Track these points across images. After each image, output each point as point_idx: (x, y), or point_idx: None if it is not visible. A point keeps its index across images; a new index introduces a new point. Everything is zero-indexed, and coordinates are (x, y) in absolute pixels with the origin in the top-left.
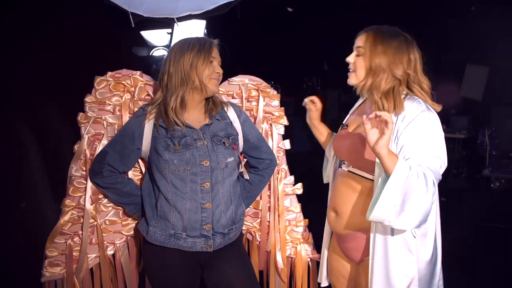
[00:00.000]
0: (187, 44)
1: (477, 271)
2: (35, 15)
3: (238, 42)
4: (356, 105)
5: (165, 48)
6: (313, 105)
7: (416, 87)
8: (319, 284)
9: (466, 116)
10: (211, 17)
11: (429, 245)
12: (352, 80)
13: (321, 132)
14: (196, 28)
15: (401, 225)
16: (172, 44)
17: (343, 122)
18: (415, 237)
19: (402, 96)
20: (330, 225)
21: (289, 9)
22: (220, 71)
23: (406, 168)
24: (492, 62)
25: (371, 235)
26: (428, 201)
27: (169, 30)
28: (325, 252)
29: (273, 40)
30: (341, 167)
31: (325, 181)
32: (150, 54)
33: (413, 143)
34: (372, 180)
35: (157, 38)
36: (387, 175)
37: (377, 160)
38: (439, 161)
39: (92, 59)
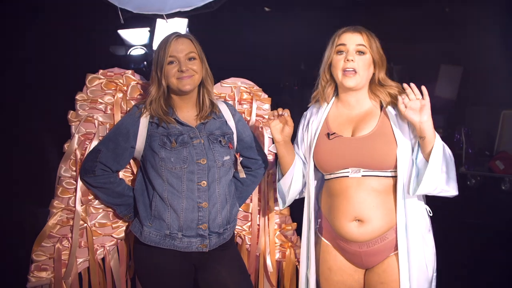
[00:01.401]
0: (159, 43)
1: (456, 266)
2: (13, 12)
3: (214, 40)
4: (326, 112)
5: (143, 47)
6: (290, 119)
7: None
8: None
9: (441, 115)
10: (188, 15)
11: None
12: (353, 81)
13: (289, 150)
14: (178, 27)
15: (451, 190)
16: (154, 43)
17: (328, 132)
18: (430, 215)
19: None
20: (351, 237)
21: (266, 9)
22: (186, 67)
23: (441, 140)
24: (466, 62)
25: (404, 227)
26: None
27: (148, 29)
28: (311, 265)
29: (249, 39)
30: (347, 175)
31: (284, 206)
32: (128, 53)
33: None
34: (389, 177)
35: (135, 37)
36: (427, 148)
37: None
38: None
39: (69, 57)
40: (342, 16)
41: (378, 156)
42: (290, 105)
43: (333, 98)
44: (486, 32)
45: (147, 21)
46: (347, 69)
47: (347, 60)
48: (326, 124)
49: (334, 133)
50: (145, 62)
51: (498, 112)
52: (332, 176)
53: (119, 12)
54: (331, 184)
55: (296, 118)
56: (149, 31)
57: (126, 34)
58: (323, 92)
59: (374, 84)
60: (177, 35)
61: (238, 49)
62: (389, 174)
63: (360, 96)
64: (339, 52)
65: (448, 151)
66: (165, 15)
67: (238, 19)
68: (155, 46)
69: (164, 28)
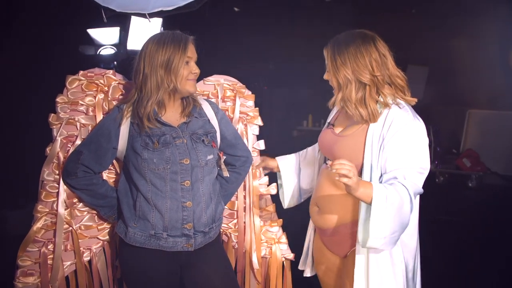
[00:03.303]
0: (162, 42)
1: (424, 261)
2: None
3: None
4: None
5: (113, 47)
6: (262, 163)
7: (386, 88)
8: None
9: None
10: (170, 14)
11: (414, 235)
12: (334, 100)
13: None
14: (152, 26)
15: (391, 247)
16: (128, 42)
17: (328, 121)
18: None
19: (381, 100)
20: (313, 220)
21: (236, 9)
22: (197, 71)
23: (382, 198)
24: (432, 62)
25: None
26: (407, 218)
27: (118, 28)
28: (309, 243)
29: (218, 39)
30: (326, 164)
31: (286, 206)
32: (98, 52)
33: (398, 154)
34: None
35: (104, 36)
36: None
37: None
38: (422, 174)
39: (38, 57)
40: (310, 16)
41: (344, 158)
42: (260, 105)
43: None
44: (451, 33)
45: (116, 20)
46: None
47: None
48: (335, 116)
49: (331, 124)
50: (115, 62)
51: (464, 111)
52: (325, 161)
53: (102, 11)
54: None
55: (266, 118)
56: (122, 30)
57: (96, 33)
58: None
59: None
60: (191, 38)
61: (207, 49)
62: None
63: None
64: None
65: (397, 205)
66: (147, 14)
67: (207, 19)
68: (130, 46)
69: (139, 27)
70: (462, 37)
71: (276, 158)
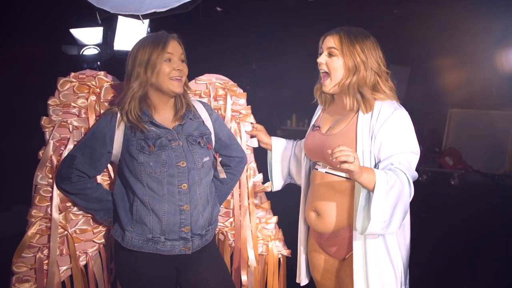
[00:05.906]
0: (144, 43)
1: (410, 258)
2: None
3: None
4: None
5: (96, 47)
6: (255, 130)
7: (387, 84)
8: (298, 284)
9: None
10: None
11: (407, 227)
12: (328, 86)
13: (268, 144)
14: (139, 27)
15: (391, 231)
16: (115, 42)
17: (314, 124)
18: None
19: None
20: (311, 226)
21: (218, 9)
22: (181, 67)
23: (384, 182)
24: (413, 62)
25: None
26: (407, 201)
27: (101, 28)
28: (301, 251)
29: (201, 39)
30: (317, 168)
31: (274, 189)
32: (80, 53)
33: (391, 141)
34: (348, 179)
35: (87, 36)
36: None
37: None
38: (415, 156)
39: (20, 58)
40: (293, 16)
41: None
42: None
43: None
44: (433, 33)
45: (103, 20)
46: (320, 71)
47: (319, 62)
48: (319, 118)
49: (318, 126)
50: (98, 62)
51: (446, 111)
52: (315, 166)
53: (96, 13)
54: (311, 172)
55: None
56: (102, 30)
57: (78, 33)
58: (315, 92)
59: (350, 89)
60: (172, 35)
61: (189, 49)
62: (348, 176)
63: (345, 96)
64: (319, 54)
65: (397, 190)
66: (141, 15)
67: (189, 18)
68: (117, 46)
69: (125, 27)
70: (443, 37)
71: (272, 137)
